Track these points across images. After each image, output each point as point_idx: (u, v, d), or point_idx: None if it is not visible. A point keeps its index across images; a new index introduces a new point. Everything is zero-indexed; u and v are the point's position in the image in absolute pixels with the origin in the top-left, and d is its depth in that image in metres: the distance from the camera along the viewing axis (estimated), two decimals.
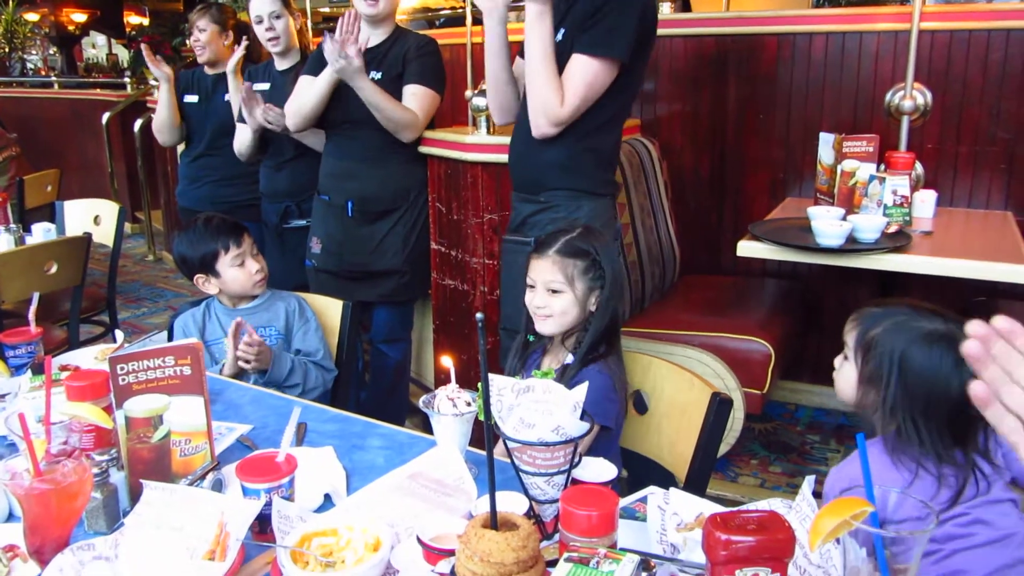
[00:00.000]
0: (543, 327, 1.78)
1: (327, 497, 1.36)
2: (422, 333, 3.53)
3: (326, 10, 8.49)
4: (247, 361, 2.06)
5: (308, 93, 2.82)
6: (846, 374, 1.52)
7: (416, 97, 2.81)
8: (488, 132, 2.79)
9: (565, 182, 2.18)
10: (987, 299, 3.14)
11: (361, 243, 2.88)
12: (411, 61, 2.82)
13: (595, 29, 2.03)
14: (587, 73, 2.05)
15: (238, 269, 2.18)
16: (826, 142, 3.01)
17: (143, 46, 3.74)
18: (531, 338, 1.83)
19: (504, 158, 2.70)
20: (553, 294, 1.75)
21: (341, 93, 2.80)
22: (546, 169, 2.19)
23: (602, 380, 1.69)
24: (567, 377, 1.71)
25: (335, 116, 2.84)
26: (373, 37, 2.86)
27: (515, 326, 2.11)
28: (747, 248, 2.61)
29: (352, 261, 2.87)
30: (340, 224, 2.89)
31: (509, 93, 2.35)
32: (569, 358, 1.76)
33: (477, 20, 4.40)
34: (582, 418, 1.16)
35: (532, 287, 1.78)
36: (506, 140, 2.71)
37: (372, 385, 3.12)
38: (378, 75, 2.81)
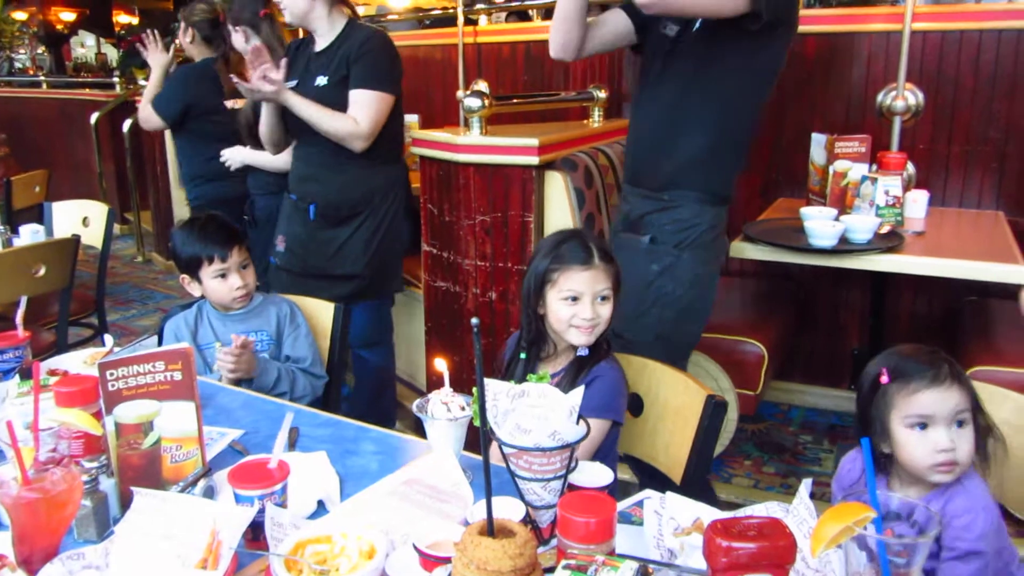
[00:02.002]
0: (586, 339, 1.70)
1: (320, 503, 1.34)
2: (413, 335, 3.51)
3: None
4: (230, 370, 2.03)
5: (263, 120, 2.80)
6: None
7: (358, 104, 2.65)
8: (480, 133, 2.78)
9: (697, 181, 2.12)
10: (979, 299, 3.14)
11: (322, 246, 2.80)
12: (353, 63, 2.66)
13: None
14: None
15: (219, 281, 2.15)
16: (818, 142, 3.01)
17: (148, 33, 3.63)
18: (523, 356, 1.76)
19: (497, 159, 2.70)
20: (602, 302, 1.70)
21: None
22: (681, 164, 2.12)
23: (615, 374, 1.69)
24: (582, 374, 1.68)
25: (293, 124, 2.76)
26: (320, 41, 2.75)
27: (635, 334, 2.10)
28: (740, 249, 2.61)
29: (312, 264, 2.81)
30: (303, 226, 2.81)
31: (576, 31, 2.19)
32: (583, 350, 1.72)
33: (469, 20, 4.39)
34: (577, 422, 1.15)
35: (575, 299, 1.68)
36: (498, 141, 2.72)
37: (356, 391, 3.09)
38: (324, 80, 2.70)
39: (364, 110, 2.64)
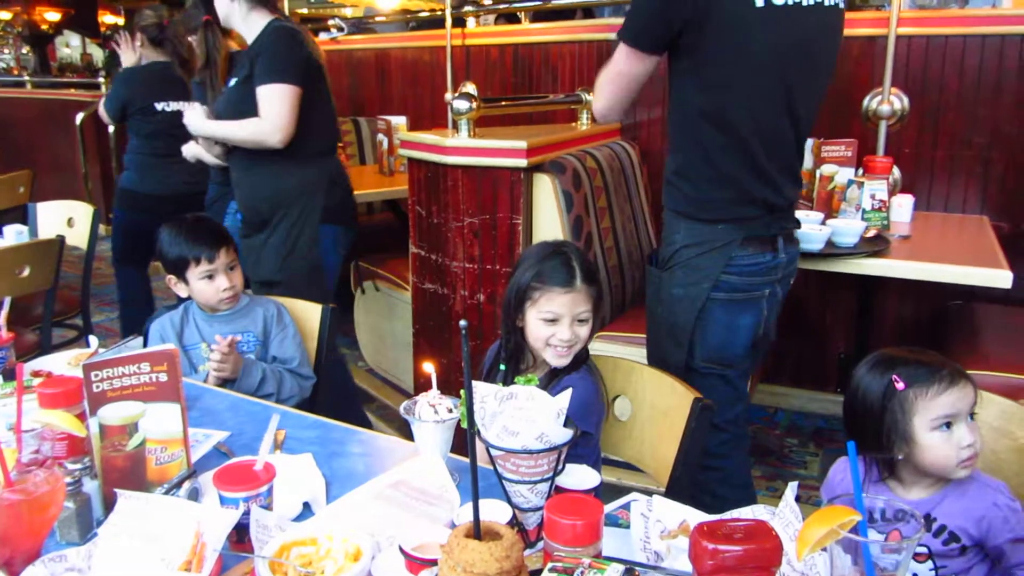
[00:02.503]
0: (562, 360, 1.71)
1: (306, 506, 1.34)
2: (401, 337, 3.51)
3: (304, 11, 8.46)
4: (217, 369, 2.02)
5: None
6: None
7: (262, 99, 2.58)
8: (469, 135, 2.78)
9: (671, 198, 2.11)
10: (964, 303, 3.16)
11: (247, 253, 2.74)
12: (255, 60, 2.61)
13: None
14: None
15: (206, 283, 2.15)
16: (806, 150, 3.02)
17: (121, 32, 3.80)
18: (503, 367, 1.77)
19: (486, 161, 2.70)
20: (580, 323, 1.70)
21: (209, 109, 2.78)
22: (665, 181, 2.16)
23: (585, 386, 1.68)
24: (552, 382, 1.70)
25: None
26: (248, 43, 2.73)
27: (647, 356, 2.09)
28: None
29: (245, 272, 2.63)
30: (235, 231, 2.77)
31: (631, 100, 2.17)
32: (562, 397, 1.71)
33: (458, 22, 4.39)
34: (565, 425, 1.16)
35: (553, 321, 1.69)
36: (486, 143, 2.72)
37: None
38: (233, 80, 2.71)
39: (267, 105, 2.58)
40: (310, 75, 2.65)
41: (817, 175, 2.92)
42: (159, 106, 3.72)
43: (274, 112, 2.57)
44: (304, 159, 2.70)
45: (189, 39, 3.14)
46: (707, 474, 2.12)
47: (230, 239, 2.22)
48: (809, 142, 2.98)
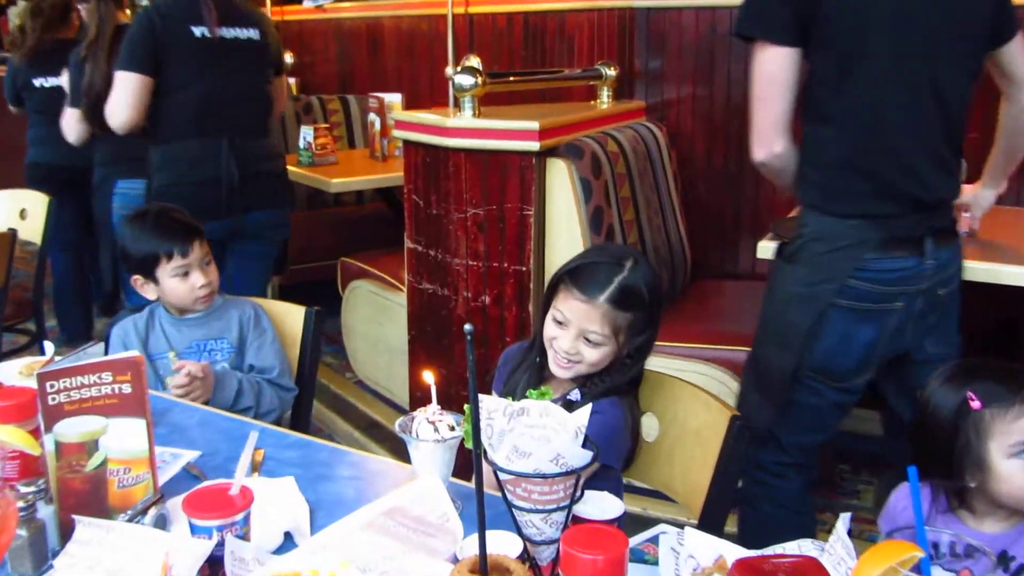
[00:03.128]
0: (563, 372, 1.71)
1: (288, 536, 1.34)
2: (394, 345, 3.51)
3: None
4: (181, 395, 2.02)
5: None
6: None
7: (113, 84, 3.02)
8: (473, 115, 2.79)
9: (802, 186, 2.09)
10: None
11: None
12: None
13: None
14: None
15: (179, 280, 2.16)
16: None
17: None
18: (538, 359, 1.76)
19: (492, 144, 2.70)
20: (589, 344, 1.68)
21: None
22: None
23: (615, 414, 1.66)
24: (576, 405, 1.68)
25: None
26: None
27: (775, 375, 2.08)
28: (767, 249, 2.61)
29: None
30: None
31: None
32: (575, 393, 1.72)
33: None
34: (585, 445, 1.15)
35: (561, 324, 1.70)
36: (493, 124, 2.72)
37: None
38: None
39: (111, 91, 2.99)
40: (167, 60, 2.96)
41: None
42: (37, 82, 4.11)
43: (113, 99, 2.98)
44: (165, 141, 3.03)
45: (79, 7, 3.47)
46: (754, 487, 2.11)
47: (202, 232, 2.23)
48: None
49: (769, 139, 2.03)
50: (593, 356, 1.69)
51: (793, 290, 2.04)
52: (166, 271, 2.15)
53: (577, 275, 1.70)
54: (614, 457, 1.68)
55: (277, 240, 3.28)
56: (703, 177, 3.68)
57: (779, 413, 2.11)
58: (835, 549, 1.07)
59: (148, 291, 2.20)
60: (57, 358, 1.69)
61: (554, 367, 1.73)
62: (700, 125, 3.65)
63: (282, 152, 3.35)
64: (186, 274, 2.16)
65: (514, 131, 2.69)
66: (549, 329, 1.72)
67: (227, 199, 3.01)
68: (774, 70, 1.95)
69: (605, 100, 3.53)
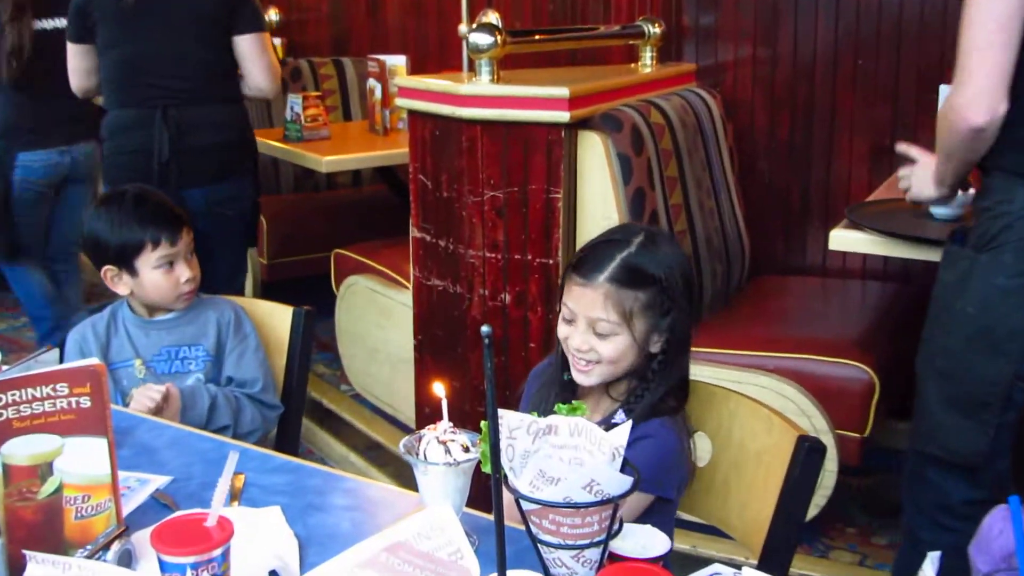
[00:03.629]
0: (584, 377, 1.72)
1: (274, 575, 1.35)
2: (397, 351, 3.52)
3: None
4: (149, 409, 2.04)
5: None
6: None
7: None
8: (491, 80, 2.79)
9: (1003, 150, 2.00)
10: None
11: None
12: None
13: None
14: None
15: (163, 273, 2.18)
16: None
17: None
18: (567, 376, 1.78)
19: (514, 115, 2.70)
20: (600, 338, 1.69)
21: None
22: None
23: (669, 437, 1.66)
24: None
25: None
26: None
27: (919, 365, 2.08)
28: (842, 239, 2.60)
29: None
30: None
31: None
32: (620, 415, 1.71)
33: None
34: (624, 470, 1.16)
35: (570, 321, 1.72)
36: (515, 91, 2.72)
37: None
38: None
39: None
40: (97, 25, 3.20)
41: None
42: None
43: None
44: (108, 108, 3.32)
45: None
46: (942, 535, 2.07)
47: (187, 218, 2.27)
48: None
49: (994, 98, 1.95)
50: (608, 350, 1.69)
51: (999, 283, 1.98)
52: (149, 261, 2.17)
53: (579, 259, 1.74)
54: (672, 488, 1.68)
55: (232, 215, 3.35)
56: (764, 153, 3.67)
57: (995, 436, 2.06)
58: None
59: (120, 286, 2.22)
60: (4, 368, 1.71)
61: (575, 374, 1.74)
62: (761, 92, 3.64)
63: (239, 121, 3.41)
64: (171, 265, 2.19)
65: (539, 99, 2.69)
66: (560, 329, 1.75)
67: (159, 173, 3.13)
68: (1003, 13, 1.90)
69: (648, 63, 3.52)
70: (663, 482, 1.66)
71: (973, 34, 1.94)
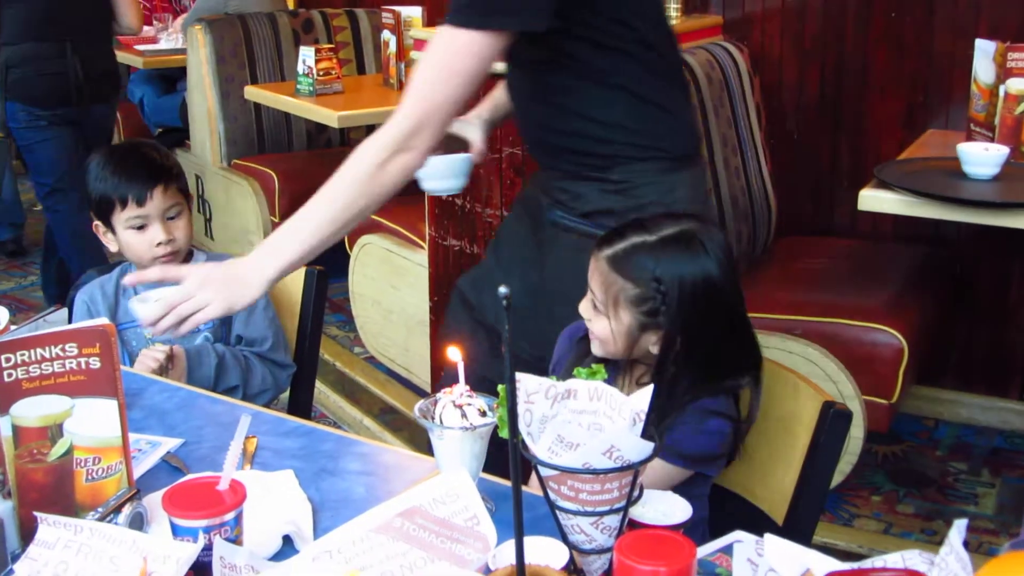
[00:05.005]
0: (593, 347, 1.71)
1: (287, 540, 1.37)
2: (413, 313, 3.53)
3: None
4: (153, 370, 2.05)
5: None
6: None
7: None
8: None
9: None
10: None
11: None
12: None
13: None
14: None
15: (134, 233, 2.18)
16: (984, 53, 2.97)
17: None
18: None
19: None
20: (596, 311, 1.67)
21: None
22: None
23: (713, 424, 1.63)
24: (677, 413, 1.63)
25: None
26: None
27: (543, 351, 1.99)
28: (872, 200, 2.59)
29: None
30: None
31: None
32: (640, 397, 1.62)
33: None
34: (646, 435, 1.16)
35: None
36: None
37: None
38: None
39: None
40: None
41: (1002, 92, 2.87)
42: None
43: None
44: (11, 43, 4.03)
45: None
46: None
47: (174, 175, 2.23)
48: (991, 46, 2.93)
49: None
50: (597, 327, 1.67)
51: None
52: (120, 220, 2.17)
53: (610, 230, 1.72)
54: (715, 467, 1.68)
55: (109, 127, 4.49)
56: (792, 111, 3.64)
57: None
58: (947, 563, 1.07)
59: (110, 242, 2.23)
60: (13, 327, 1.72)
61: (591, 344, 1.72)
62: (790, 46, 3.61)
63: (113, 53, 4.47)
64: (142, 227, 2.17)
65: None
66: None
67: (76, 92, 4.09)
68: None
69: (673, 14, 3.49)
70: (708, 463, 1.65)
71: None
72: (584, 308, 1.70)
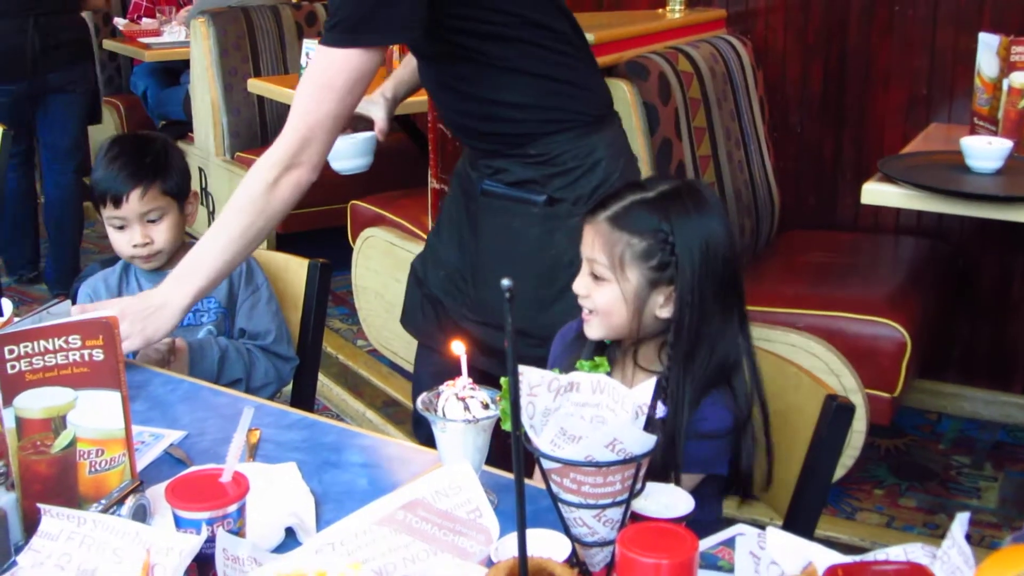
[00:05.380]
0: (587, 328, 1.68)
1: (290, 532, 1.37)
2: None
3: None
4: (156, 362, 2.04)
5: None
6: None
7: None
8: None
9: None
10: None
11: None
12: None
13: None
14: None
15: (115, 232, 2.17)
16: (988, 46, 2.96)
17: None
18: (609, 342, 1.71)
19: None
20: (596, 281, 1.65)
21: None
22: None
23: (721, 417, 1.61)
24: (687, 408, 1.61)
25: None
26: None
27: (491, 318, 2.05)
28: (875, 193, 2.59)
29: None
30: None
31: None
32: (660, 409, 1.38)
33: None
34: (648, 428, 1.16)
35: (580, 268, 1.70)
36: None
37: None
38: None
39: None
40: None
41: (1005, 86, 2.87)
42: None
43: None
44: None
45: None
46: None
47: (160, 177, 2.18)
48: (994, 40, 2.92)
49: None
50: (600, 297, 1.64)
51: None
52: (104, 216, 2.17)
53: (597, 200, 1.72)
54: (726, 463, 1.65)
55: (80, 91, 4.67)
56: (796, 104, 3.64)
57: None
58: (950, 556, 1.07)
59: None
60: (16, 319, 1.72)
61: (585, 327, 1.70)
62: (793, 40, 3.61)
63: (80, 22, 4.70)
64: (122, 227, 2.16)
65: None
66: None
67: (31, 64, 4.36)
68: None
69: (676, 8, 3.49)
70: (710, 460, 1.64)
71: None
72: (580, 285, 1.67)
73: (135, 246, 2.15)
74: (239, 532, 1.24)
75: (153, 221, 2.17)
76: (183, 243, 2.22)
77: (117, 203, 2.13)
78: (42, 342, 1.32)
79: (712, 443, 1.62)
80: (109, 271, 2.26)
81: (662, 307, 1.62)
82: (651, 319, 1.64)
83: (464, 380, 1.41)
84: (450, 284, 2.16)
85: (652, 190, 1.66)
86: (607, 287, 1.63)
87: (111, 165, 2.16)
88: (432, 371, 2.13)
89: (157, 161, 2.19)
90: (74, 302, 2.21)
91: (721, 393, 1.63)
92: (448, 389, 1.41)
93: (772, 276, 3.15)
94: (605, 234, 1.63)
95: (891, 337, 2.82)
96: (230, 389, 1.94)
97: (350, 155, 1.97)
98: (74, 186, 4.70)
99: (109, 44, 5.79)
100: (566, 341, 1.82)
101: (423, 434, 1.98)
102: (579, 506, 1.15)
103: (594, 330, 1.68)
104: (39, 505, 1.21)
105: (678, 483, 1.50)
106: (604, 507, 1.15)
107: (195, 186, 2.78)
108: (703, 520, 1.39)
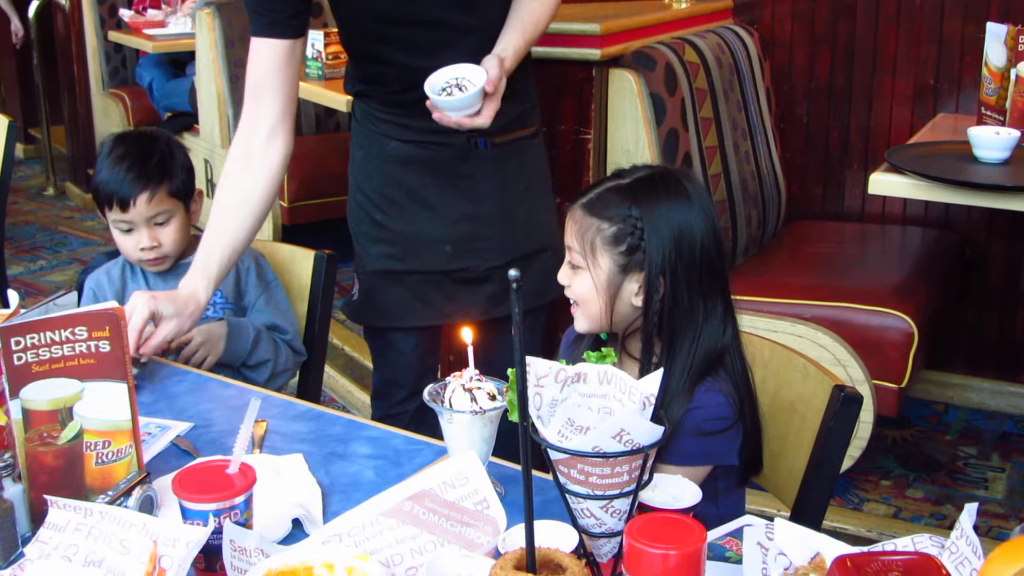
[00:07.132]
0: (576, 321, 1.68)
1: (297, 523, 1.37)
2: None
3: None
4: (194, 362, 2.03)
5: None
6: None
7: None
8: None
9: None
10: None
11: None
12: None
13: None
14: None
15: (120, 234, 2.14)
16: (996, 36, 2.96)
17: None
18: (604, 335, 1.70)
19: (540, 51, 2.67)
20: (574, 270, 1.65)
21: None
22: None
23: (718, 402, 1.59)
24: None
25: None
26: None
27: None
28: (882, 183, 2.58)
29: None
30: None
31: None
32: (650, 380, 1.53)
33: None
34: (655, 419, 1.16)
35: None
36: None
37: None
38: None
39: None
40: None
41: (1013, 76, 2.86)
42: None
43: None
44: None
45: None
46: None
47: (167, 178, 2.16)
48: (1002, 30, 2.92)
49: None
50: (578, 286, 1.64)
51: None
52: (109, 219, 2.14)
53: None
54: (732, 454, 1.63)
55: None
56: (803, 94, 3.63)
57: None
58: (958, 547, 1.07)
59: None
60: (23, 311, 1.72)
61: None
62: (800, 30, 3.60)
63: None
64: (128, 230, 2.13)
65: (569, 36, 2.66)
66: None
67: None
68: None
69: None
70: (717, 452, 1.63)
71: None
72: (562, 275, 1.68)
73: (143, 249, 2.13)
74: (246, 523, 1.24)
75: (160, 224, 2.15)
76: (190, 242, 2.22)
77: (124, 207, 2.10)
78: (48, 333, 1.32)
79: (717, 437, 1.61)
80: (111, 264, 2.24)
81: (636, 295, 1.61)
82: (628, 308, 1.63)
83: (471, 371, 1.41)
84: (463, 247, 2.18)
85: (629, 177, 1.66)
86: (583, 276, 1.63)
87: (116, 167, 2.12)
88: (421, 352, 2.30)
89: (163, 162, 2.17)
90: (80, 294, 2.21)
91: (715, 380, 1.62)
92: (455, 380, 1.41)
93: (779, 267, 3.15)
94: (579, 220, 1.64)
95: (898, 328, 2.82)
96: (236, 381, 1.93)
97: (462, 106, 2.00)
98: None
99: (114, 36, 5.78)
100: (569, 340, 1.82)
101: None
102: (586, 497, 1.15)
103: (578, 322, 1.69)
104: (46, 496, 1.21)
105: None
106: (611, 498, 1.14)
107: (201, 178, 2.76)
108: (727, 518, 1.38)
